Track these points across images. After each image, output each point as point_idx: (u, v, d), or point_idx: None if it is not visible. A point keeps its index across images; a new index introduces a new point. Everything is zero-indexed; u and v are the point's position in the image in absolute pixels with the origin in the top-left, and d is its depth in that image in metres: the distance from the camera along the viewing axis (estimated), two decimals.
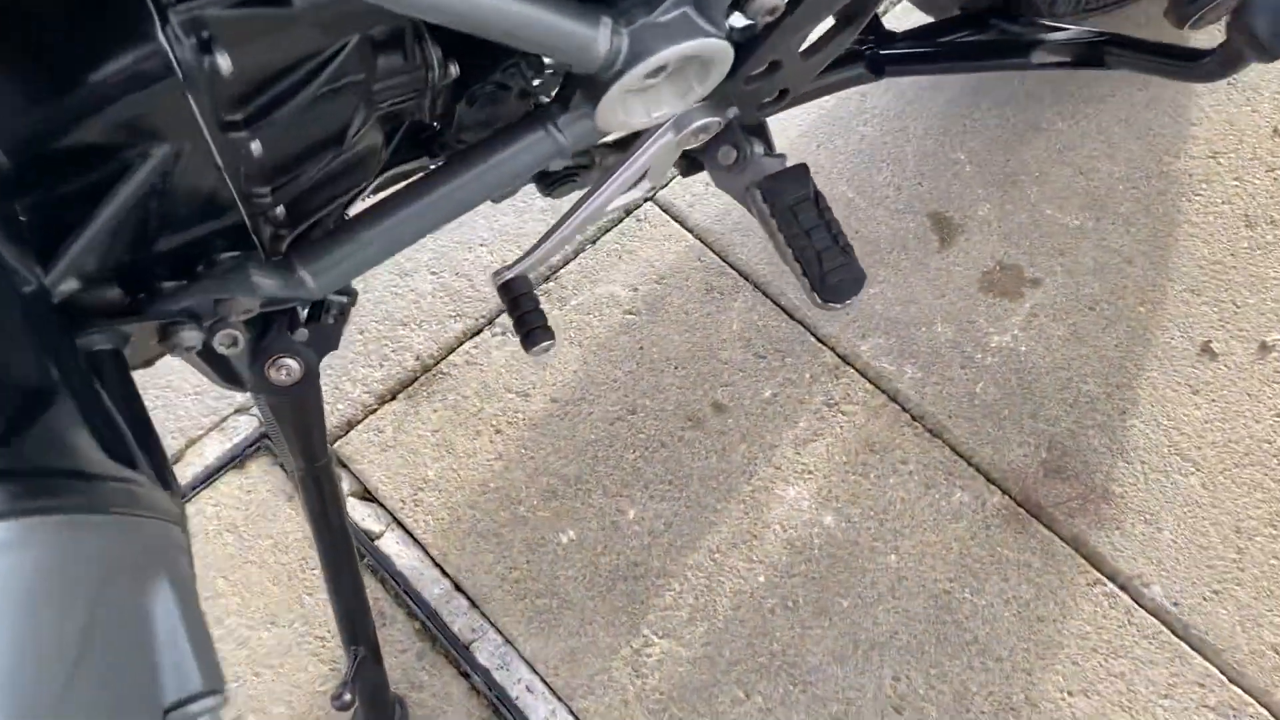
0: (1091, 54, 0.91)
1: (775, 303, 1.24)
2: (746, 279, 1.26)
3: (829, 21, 0.77)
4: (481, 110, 0.73)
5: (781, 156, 0.85)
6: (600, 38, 0.62)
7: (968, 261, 1.27)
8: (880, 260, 1.28)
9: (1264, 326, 1.21)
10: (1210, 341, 1.20)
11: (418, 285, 1.27)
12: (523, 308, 0.78)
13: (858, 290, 0.81)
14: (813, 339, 1.23)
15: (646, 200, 1.31)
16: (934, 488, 1.12)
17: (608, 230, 1.31)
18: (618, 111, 0.68)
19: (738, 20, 0.70)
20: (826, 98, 1.35)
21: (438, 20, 0.56)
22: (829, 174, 1.34)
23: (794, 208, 0.82)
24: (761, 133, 0.87)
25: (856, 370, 1.21)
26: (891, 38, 1.00)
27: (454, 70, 0.66)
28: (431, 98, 0.67)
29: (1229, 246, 1.26)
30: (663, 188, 1.32)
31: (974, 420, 1.16)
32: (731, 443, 1.16)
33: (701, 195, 1.31)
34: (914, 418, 1.17)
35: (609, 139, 0.79)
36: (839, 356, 1.22)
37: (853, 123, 1.38)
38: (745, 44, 0.70)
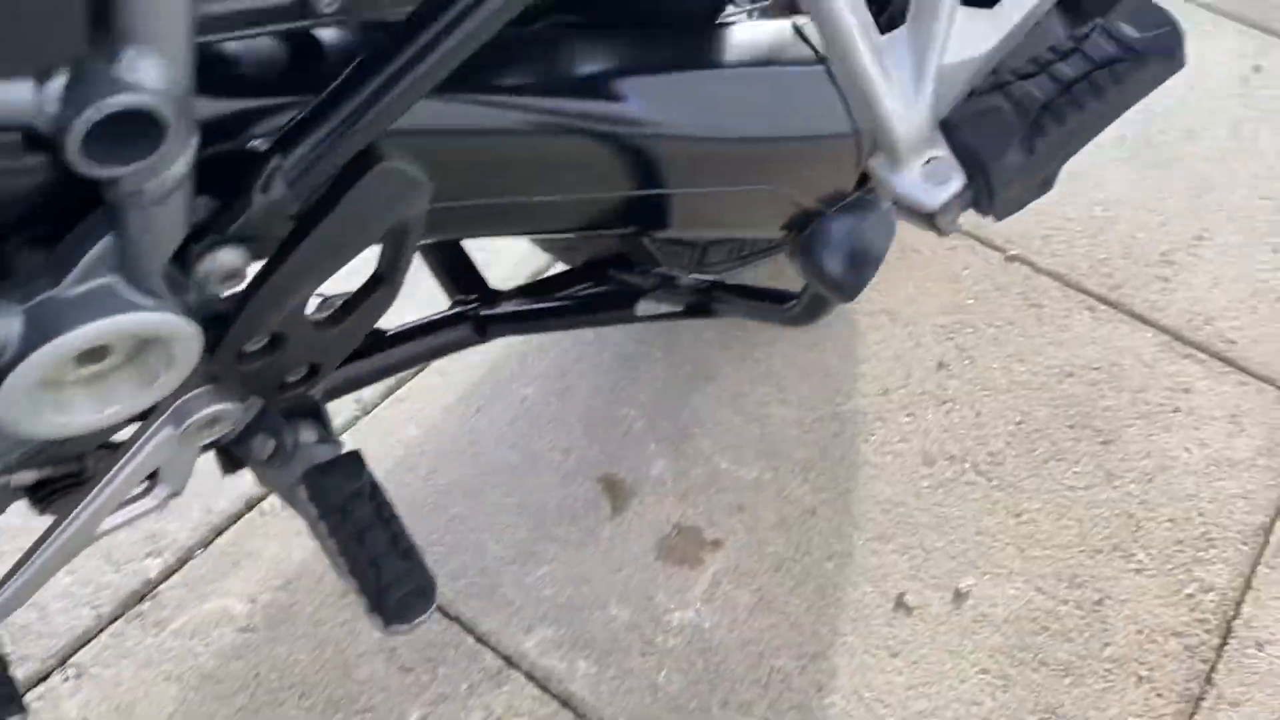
0: (701, 302, 0.82)
1: None
2: None
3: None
4: None
5: (336, 443, 0.69)
6: None
7: (643, 527, 1.13)
8: (547, 535, 1.12)
9: (956, 572, 1.12)
10: (904, 594, 1.10)
11: None
12: None
13: (427, 606, 0.64)
14: (470, 639, 1.04)
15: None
16: None
17: (222, 531, 1.10)
18: (30, 411, 0.51)
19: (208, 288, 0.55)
20: (479, 357, 1.23)
21: None
22: (490, 441, 1.20)
23: (345, 505, 0.65)
24: (316, 416, 0.71)
25: (523, 673, 1.02)
26: (497, 296, 0.88)
27: None
28: None
29: (910, 487, 1.19)
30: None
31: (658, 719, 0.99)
32: None
33: None
34: None
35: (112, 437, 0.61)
36: (502, 658, 1.03)
37: (513, 385, 1.26)
38: (216, 318, 0.55)
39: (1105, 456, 1.24)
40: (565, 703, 1.00)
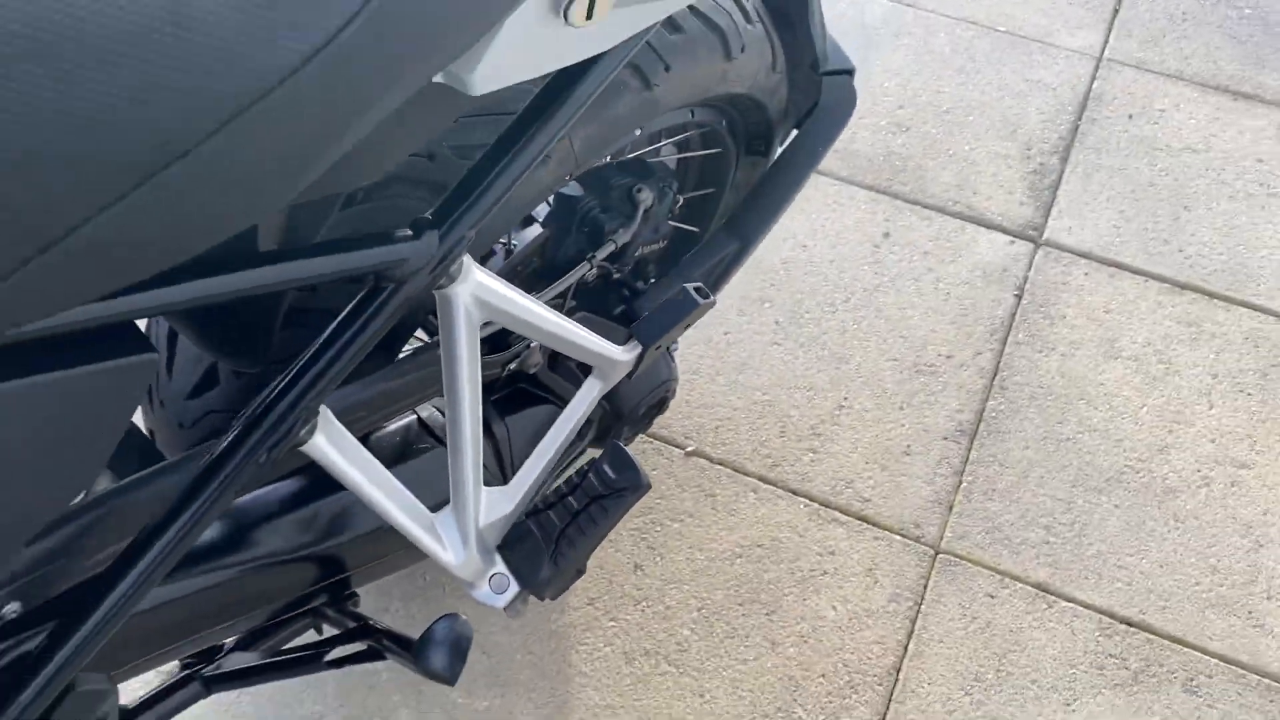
0: (373, 648, 1.05)
1: None
2: None
3: None
4: None
5: None
6: None
7: None
8: None
9: None
10: None
11: None
12: None
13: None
14: None
15: None
16: None
17: None
18: None
19: None
20: None
21: None
22: None
23: None
24: None
25: None
26: (216, 655, 1.09)
27: None
28: None
29: (615, 687, 1.45)
30: None
31: None
32: None
33: None
34: None
35: None
36: None
37: None
38: None
39: (769, 626, 1.53)
40: None
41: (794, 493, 1.68)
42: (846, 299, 1.98)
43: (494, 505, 0.91)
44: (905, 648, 1.52)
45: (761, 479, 1.70)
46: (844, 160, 2.21)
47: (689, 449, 1.73)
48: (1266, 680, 1.50)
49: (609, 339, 0.98)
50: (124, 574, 0.75)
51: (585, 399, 0.98)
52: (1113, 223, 2.14)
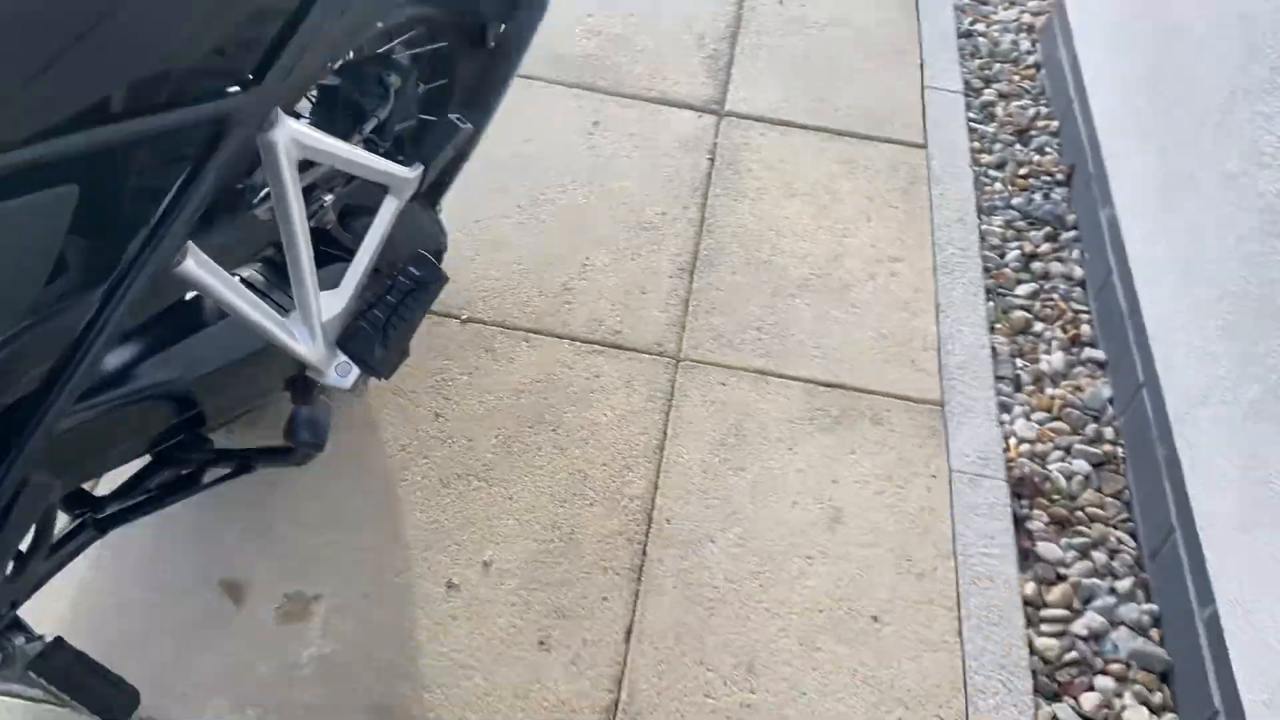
0: (244, 463, 1.29)
1: None
2: None
3: None
4: None
5: (41, 637, 1.09)
6: None
7: (258, 606, 1.58)
8: (195, 636, 1.54)
9: (480, 550, 1.69)
10: (451, 578, 1.65)
11: None
12: None
13: (133, 706, 1.07)
14: None
15: None
16: None
17: None
18: None
19: None
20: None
21: None
22: (131, 589, 1.58)
23: (66, 672, 1.06)
24: (19, 625, 1.10)
25: None
26: (102, 502, 1.29)
27: None
28: None
29: (437, 505, 1.74)
30: None
31: None
32: None
33: None
34: None
35: None
36: None
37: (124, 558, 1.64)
38: None
39: (556, 438, 1.86)
40: None
41: (558, 336, 2.02)
42: (573, 180, 2.32)
43: (329, 305, 1.17)
44: (664, 432, 1.90)
45: (530, 330, 2.02)
46: (551, 65, 2.54)
47: (464, 317, 2.02)
48: (925, 405, 1.99)
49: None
50: (57, 383, 0.97)
51: (386, 213, 1.25)
52: (778, 90, 2.59)
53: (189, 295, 1.24)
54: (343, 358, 1.18)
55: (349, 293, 1.19)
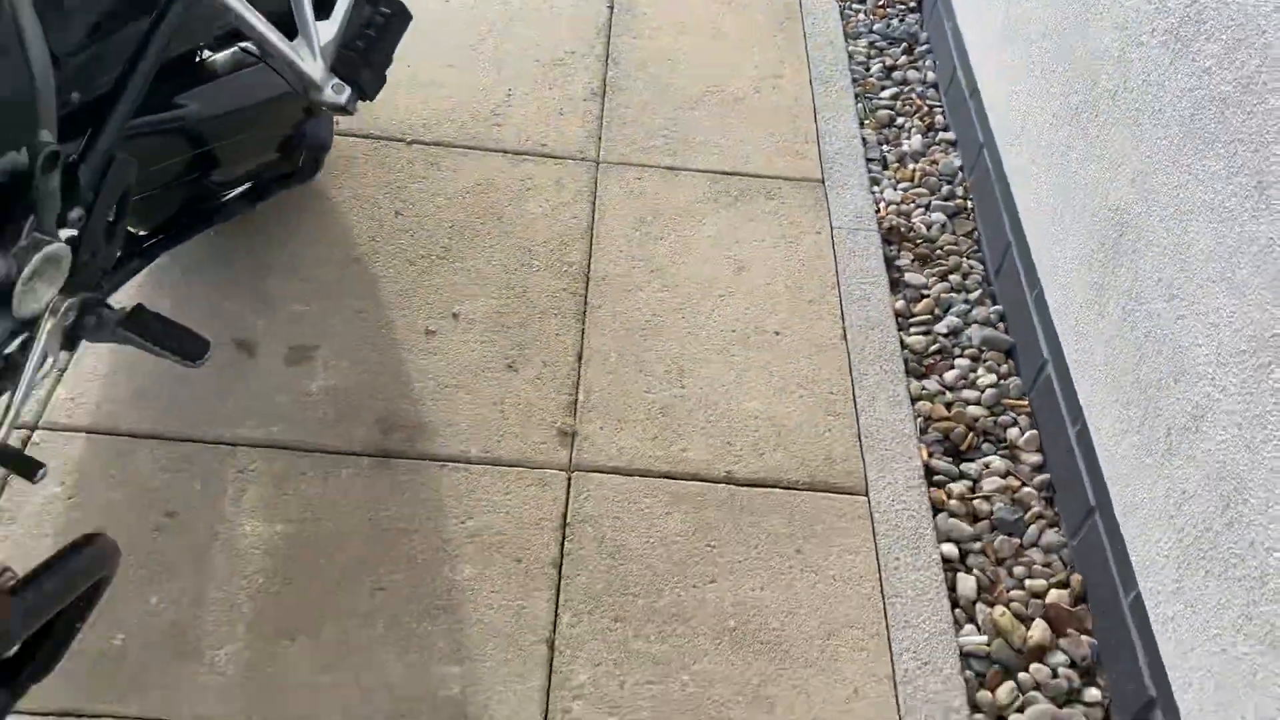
0: (257, 192, 1.60)
1: None
2: None
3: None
4: None
5: (124, 307, 1.39)
6: None
7: (271, 355, 1.89)
8: (217, 381, 1.84)
9: (450, 305, 2.02)
10: (428, 326, 1.98)
11: None
12: None
13: (206, 348, 1.39)
14: (215, 444, 1.75)
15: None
16: None
17: None
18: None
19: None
20: None
21: None
22: None
23: (149, 326, 1.37)
24: (104, 304, 1.40)
25: (242, 446, 1.75)
26: (145, 238, 1.59)
27: None
28: None
29: (405, 279, 2.06)
30: None
31: None
32: None
33: None
34: None
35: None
36: (228, 444, 1.75)
37: None
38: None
39: (500, 225, 2.19)
40: (282, 447, 1.76)
41: (493, 150, 2.34)
42: (490, 29, 2.63)
43: (324, 32, 1.48)
44: (592, 215, 2.24)
45: (468, 147, 2.34)
46: None
47: (410, 140, 2.33)
48: (810, 183, 2.37)
49: None
50: (125, 84, 1.27)
51: None
52: None
53: (207, 54, 1.54)
54: (335, 79, 1.49)
55: (339, 21, 1.50)
